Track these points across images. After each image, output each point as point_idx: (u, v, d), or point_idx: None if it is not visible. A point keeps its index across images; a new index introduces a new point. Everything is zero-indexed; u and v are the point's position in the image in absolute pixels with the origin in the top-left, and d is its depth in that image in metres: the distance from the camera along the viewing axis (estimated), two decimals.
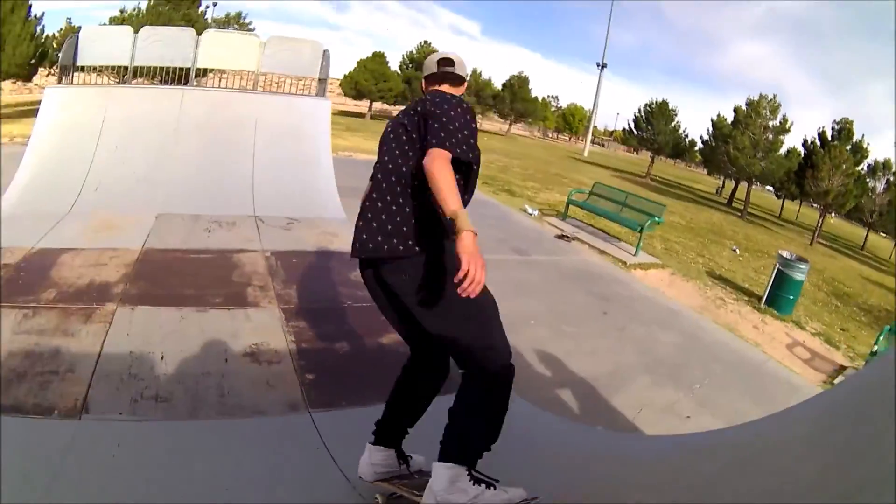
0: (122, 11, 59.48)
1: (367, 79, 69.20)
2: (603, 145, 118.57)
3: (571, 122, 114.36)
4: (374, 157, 4.00)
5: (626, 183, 39.79)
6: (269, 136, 13.66)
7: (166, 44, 15.52)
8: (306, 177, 13.58)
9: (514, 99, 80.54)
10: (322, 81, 15.81)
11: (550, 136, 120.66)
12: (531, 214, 16.90)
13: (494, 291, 7.83)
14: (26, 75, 44.90)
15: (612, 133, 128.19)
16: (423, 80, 4.21)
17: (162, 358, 6.10)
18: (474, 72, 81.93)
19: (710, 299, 12.24)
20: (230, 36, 16.66)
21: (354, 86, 69.69)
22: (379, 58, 72.66)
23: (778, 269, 12.38)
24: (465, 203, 3.54)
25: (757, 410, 6.67)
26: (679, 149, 55.04)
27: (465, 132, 3.43)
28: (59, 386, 5.50)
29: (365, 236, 3.70)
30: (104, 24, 55.66)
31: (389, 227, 3.52)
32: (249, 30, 61.61)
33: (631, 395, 7.01)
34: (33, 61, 44.31)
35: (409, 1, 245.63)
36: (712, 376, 7.99)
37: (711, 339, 9.52)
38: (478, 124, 3.71)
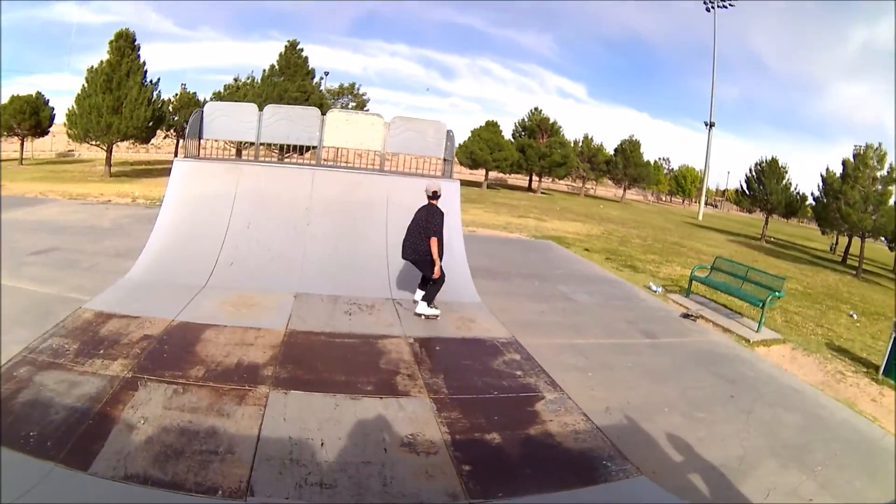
0: (235, 80, 61.76)
1: (482, 148, 70.13)
2: (716, 206, 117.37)
3: (684, 184, 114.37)
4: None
5: (743, 248, 39.51)
6: (401, 217, 13.57)
7: (292, 122, 16.33)
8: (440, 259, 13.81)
9: (627, 164, 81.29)
10: (447, 162, 16.38)
11: (664, 199, 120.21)
12: (655, 292, 17.07)
13: (628, 378, 9.64)
14: (144, 137, 46.96)
15: (724, 192, 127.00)
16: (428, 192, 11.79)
17: (322, 444, 6.42)
18: (585, 137, 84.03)
19: (830, 374, 12.10)
20: (355, 116, 17.14)
21: (470, 155, 70.64)
22: (492, 127, 73.57)
23: (894, 337, 12.08)
24: (441, 240, 11.43)
25: (874, 490, 7.02)
26: (792, 207, 54.14)
27: (440, 224, 11.43)
28: (221, 466, 5.89)
29: (409, 250, 11.63)
30: (219, 93, 58.28)
31: (416, 248, 11.48)
32: (363, 99, 63.33)
33: (758, 479, 7.06)
34: (150, 124, 46.07)
35: (514, 65, 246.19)
36: (833, 456, 7.99)
37: (832, 417, 9.49)
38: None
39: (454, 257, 13.80)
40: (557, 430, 7.32)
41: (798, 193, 53.26)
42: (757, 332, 13.85)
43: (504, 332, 10.99)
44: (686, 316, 14.45)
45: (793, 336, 14.44)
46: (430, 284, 11.53)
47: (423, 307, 11.52)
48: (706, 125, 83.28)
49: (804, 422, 9.07)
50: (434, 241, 11.10)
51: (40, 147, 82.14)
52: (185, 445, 6.18)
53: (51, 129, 69.57)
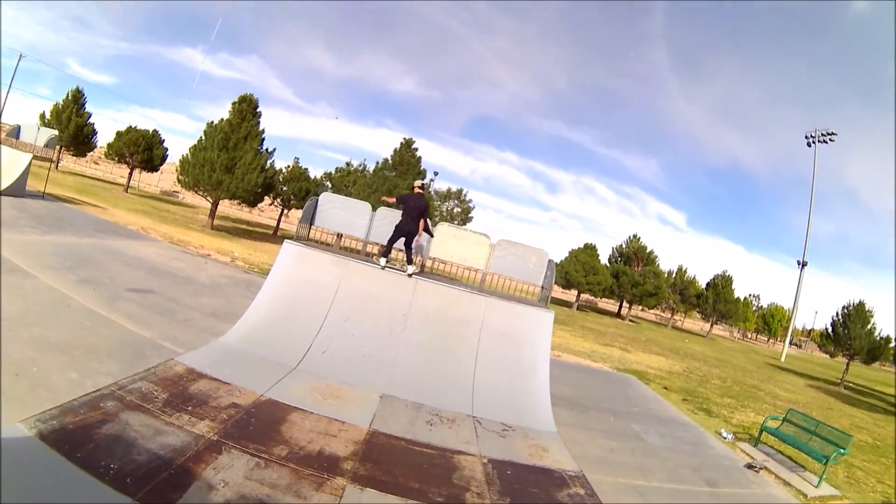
0: (348, 164, 63.56)
1: (578, 270, 70.59)
2: (800, 346, 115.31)
3: (771, 323, 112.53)
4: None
5: (820, 394, 38.25)
6: (493, 338, 14.30)
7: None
8: (523, 385, 13.96)
9: (718, 299, 79.71)
10: (544, 290, 16.57)
11: (749, 336, 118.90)
12: (725, 439, 16.71)
13: None
14: (252, 201, 48.45)
15: (809, 332, 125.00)
16: (415, 187, 15.56)
17: None
18: (680, 269, 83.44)
19: None
20: (463, 233, 17.60)
21: (565, 275, 71.03)
22: (590, 250, 74.06)
23: None
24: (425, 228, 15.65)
25: None
26: (874, 353, 52.78)
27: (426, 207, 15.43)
28: None
29: (406, 231, 15.05)
30: (330, 174, 59.96)
31: (411, 230, 15.13)
32: (468, 206, 64.21)
33: None
34: (260, 190, 47.69)
35: (618, 187, 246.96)
36: None
37: None
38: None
39: (538, 384, 13.95)
40: None
41: (881, 337, 51.89)
42: (816, 486, 13.78)
43: (573, 465, 11.00)
44: (750, 467, 14.24)
45: (851, 493, 14.30)
46: (411, 252, 15.44)
47: (411, 269, 15.10)
48: (798, 264, 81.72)
49: None
50: (422, 222, 15.39)
51: (147, 180, 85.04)
52: None
53: (161, 168, 72.28)
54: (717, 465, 13.67)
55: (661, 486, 11.26)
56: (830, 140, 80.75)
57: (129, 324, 12.41)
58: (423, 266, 16.44)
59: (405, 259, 15.32)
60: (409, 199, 15.21)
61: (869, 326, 51.09)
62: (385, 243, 15.32)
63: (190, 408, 8.89)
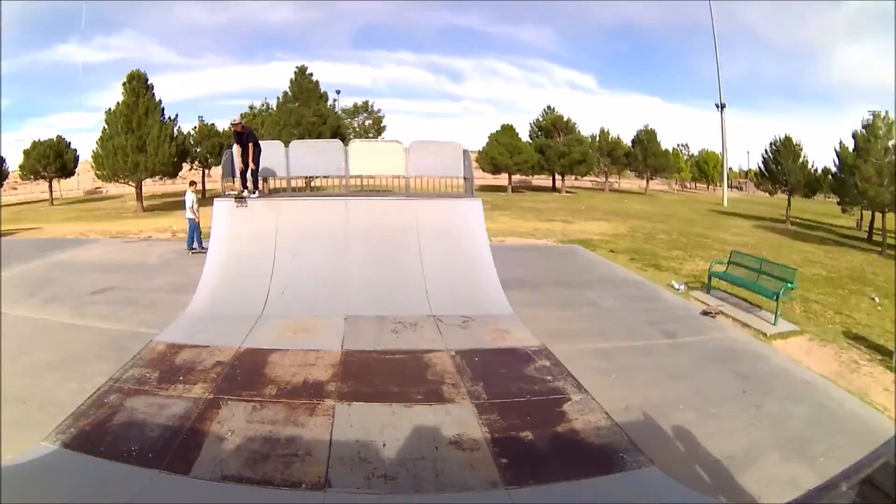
0: (251, 107, 63.42)
1: (502, 153, 70.42)
2: (741, 188, 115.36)
3: (706, 169, 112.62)
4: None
5: (769, 234, 39.04)
6: (432, 237, 15.16)
7: (318, 154, 17.84)
8: (472, 275, 14.88)
9: (647, 155, 79.86)
10: (467, 180, 17.36)
11: (689, 186, 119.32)
12: (678, 290, 17.68)
13: (647, 378, 10.26)
14: (171, 172, 48.80)
15: (746, 174, 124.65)
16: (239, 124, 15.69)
17: (384, 445, 7.71)
18: (602, 131, 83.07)
19: (844, 364, 12.35)
20: (376, 145, 18.46)
21: (491, 161, 71.03)
22: (509, 130, 73.69)
23: None
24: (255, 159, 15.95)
25: None
26: (812, 186, 52.89)
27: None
28: (302, 465, 7.22)
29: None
30: (236, 122, 58.84)
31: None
32: (378, 116, 64.41)
33: (760, 471, 7.75)
34: (175, 159, 47.98)
35: (520, 62, 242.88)
36: (835, 447, 8.42)
37: (840, 408, 9.91)
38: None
39: (484, 272, 14.88)
40: (581, 427, 8.43)
41: (816, 170, 51.56)
42: (774, 324, 14.26)
43: (535, 341, 11.89)
44: (705, 313, 15.03)
45: (810, 327, 14.77)
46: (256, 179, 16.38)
47: (255, 194, 16.07)
48: (717, 107, 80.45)
49: (811, 414, 9.66)
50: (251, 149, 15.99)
51: (67, 186, 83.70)
52: (269, 450, 7.48)
53: (77, 170, 71.34)
54: (674, 317, 14.61)
55: (622, 345, 12.16)
56: None
57: (102, 323, 13.19)
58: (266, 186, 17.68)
59: (252, 186, 16.17)
60: (237, 136, 16.10)
61: (801, 160, 50.81)
62: (243, 180, 16.14)
63: (181, 377, 9.82)
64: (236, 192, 16.09)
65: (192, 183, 26.57)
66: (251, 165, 15.97)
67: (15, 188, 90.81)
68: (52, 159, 65.79)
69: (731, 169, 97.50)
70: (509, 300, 14.35)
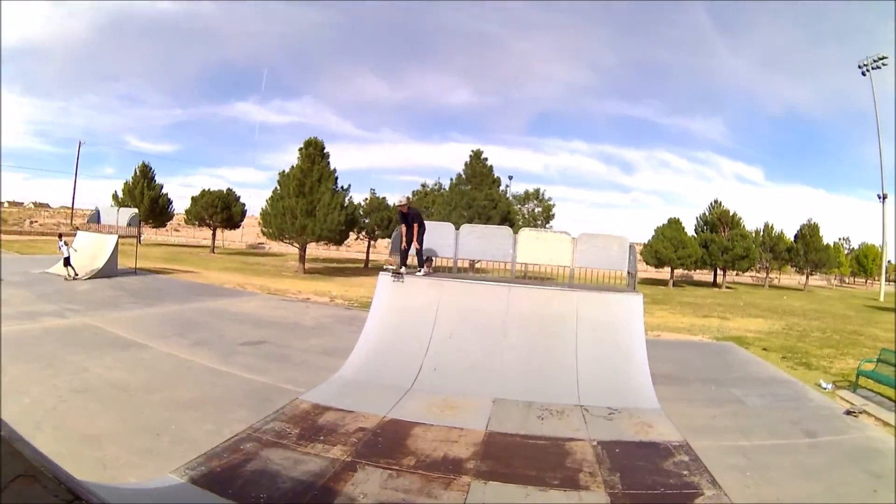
0: (423, 185, 65.12)
1: (667, 246, 70.09)
2: None
3: (865, 263, 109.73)
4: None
5: None
6: (589, 329, 14.95)
7: (487, 240, 17.98)
8: (624, 368, 14.57)
9: (808, 250, 78.29)
10: (631, 275, 17.14)
11: (847, 281, 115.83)
12: (825, 389, 16.81)
13: (782, 477, 10.01)
14: (338, 240, 50.23)
15: None
16: (398, 206, 16.88)
17: None
18: (766, 226, 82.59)
19: None
20: (545, 234, 18.37)
21: (655, 254, 70.76)
22: (675, 224, 73.49)
23: None
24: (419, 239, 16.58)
25: None
26: None
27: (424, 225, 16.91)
28: None
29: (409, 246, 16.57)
30: (409, 198, 60.19)
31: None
32: (548, 204, 64.78)
33: None
34: (343, 227, 49.26)
35: (689, 154, 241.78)
36: None
37: None
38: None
39: (637, 367, 14.53)
40: None
41: None
42: None
43: (677, 435, 11.54)
44: (849, 413, 14.38)
45: None
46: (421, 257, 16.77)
47: (423, 270, 16.57)
48: (879, 197, 78.06)
49: None
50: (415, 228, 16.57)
51: (230, 237, 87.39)
52: None
53: (242, 223, 74.48)
54: (817, 416, 13.95)
55: (763, 444, 11.62)
56: (883, 65, 78.04)
57: (248, 374, 13.52)
58: (432, 265, 17.66)
59: (417, 264, 16.62)
60: (402, 217, 16.67)
61: None
62: (402, 258, 16.69)
63: (322, 437, 9.82)
64: (394, 268, 16.54)
65: (61, 235, 31.74)
66: (415, 245, 16.43)
67: (177, 230, 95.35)
68: (220, 209, 69.46)
69: (889, 262, 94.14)
70: (658, 395, 13.96)
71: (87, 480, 3.31)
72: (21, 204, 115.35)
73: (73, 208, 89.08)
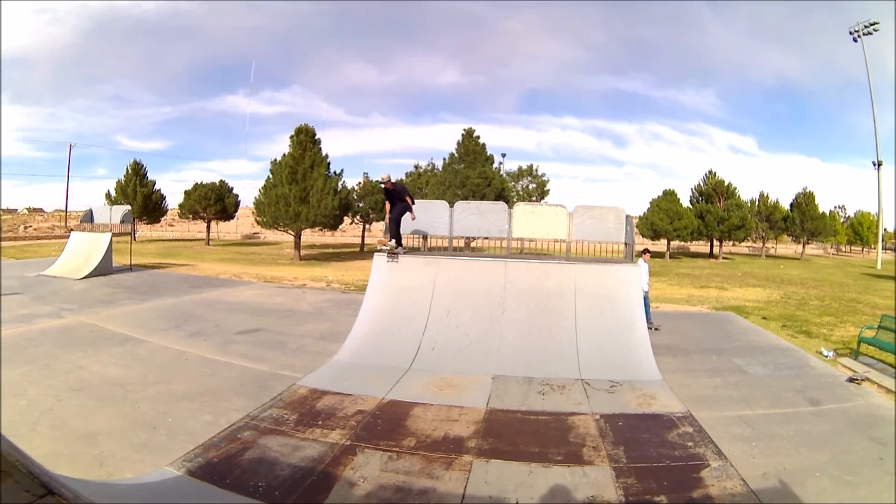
0: (416, 167, 64.94)
1: (662, 218, 70.18)
2: (895, 250, 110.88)
3: (861, 231, 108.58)
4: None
5: None
6: (588, 302, 14.99)
7: (482, 216, 17.96)
8: (625, 341, 14.56)
9: (804, 218, 78.16)
10: (627, 246, 17.10)
11: (844, 250, 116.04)
12: (826, 357, 16.92)
13: (788, 446, 10.03)
14: (332, 225, 50.25)
15: None
16: (383, 184, 16.65)
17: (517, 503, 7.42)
18: (762, 195, 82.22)
19: None
20: (540, 208, 18.34)
21: (651, 227, 70.74)
22: (670, 195, 73.33)
23: None
24: (407, 208, 16.64)
25: None
26: None
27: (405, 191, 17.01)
28: None
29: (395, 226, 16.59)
30: (401, 180, 61.35)
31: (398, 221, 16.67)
32: (542, 179, 64.80)
33: None
34: (337, 212, 49.22)
35: (682, 126, 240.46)
36: None
37: None
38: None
39: (637, 338, 14.56)
40: (716, 494, 7.97)
41: None
42: None
43: (680, 406, 11.56)
44: (851, 380, 14.43)
45: None
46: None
47: (401, 248, 16.73)
48: (874, 165, 77.92)
49: None
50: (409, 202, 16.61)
51: (225, 229, 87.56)
52: (400, 500, 7.28)
53: (236, 214, 74.62)
54: (820, 384, 13.99)
55: (766, 413, 11.67)
56: (875, 30, 77.60)
57: (245, 362, 13.52)
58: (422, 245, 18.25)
59: (394, 240, 16.71)
60: (387, 193, 16.89)
61: None
62: (392, 235, 16.70)
63: (320, 422, 9.82)
64: (388, 248, 16.55)
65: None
66: (387, 216, 16.94)
67: (172, 225, 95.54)
68: (213, 201, 69.72)
69: (886, 230, 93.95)
70: (659, 366, 13.99)
71: (62, 475, 3.26)
72: (15, 210, 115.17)
73: (66, 211, 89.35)
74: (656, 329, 17.33)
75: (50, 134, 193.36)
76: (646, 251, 20.47)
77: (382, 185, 16.76)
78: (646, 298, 17.50)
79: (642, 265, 18.74)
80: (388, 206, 16.95)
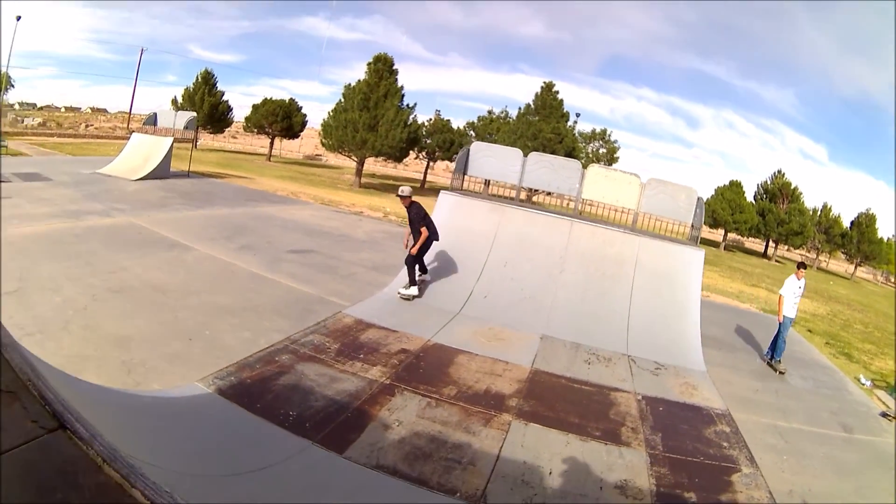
0: (490, 112, 64.02)
1: (724, 208, 69.88)
2: None
3: None
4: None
5: None
6: (646, 277, 14.78)
7: (554, 171, 17.61)
8: (676, 324, 14.35)
9: (862, 239, 76.86)
10: (694, 228, 16.82)
11: (892, 280, 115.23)
12: (864, 385, 16.39)
13: (817, 467, 9.89)
14: (398, 156, 50.32)
15: None
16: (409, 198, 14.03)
17: (550, 473, 7.26)
18: (825, 206, 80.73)
19: None
20: (614, 174, 17.92)
21: (711, 214, 69.74)
22: (736, 187, 73.08)
23: None
24: (432, 233, 13.91)
25: None
26: None
27: (425, 214, 14.04)
28: (462, 474, 6.84)
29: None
30: (473, 123, 61.92)
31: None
32: (614, 146, 64.14)
33: None
34: (404, 145, 49.16)
35: (756, 119, 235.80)
36: None
37: None
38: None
39: (689, 324, 14.30)
40: (743, 502, 7.84)
41: None
42: None
43: (720, 403, 11.42)
44: (884, 415, 13.99)
45: None
46: (413, 267, 13.93)
47: (402, 290, 13.87)
48: None
49: None
50: (424, 229, 13.71)
51: (288, 147, 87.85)
52: (433, 450, 7.16)
53: (301, 134, 74.73)
54: (854, 411, 13.69)
55: (801, 429, 11.49)
56: None
57: (293, 283, 13.48)
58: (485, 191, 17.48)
59: (409, 278, 14.11)
60: (408, 210, 14.22)
61: None
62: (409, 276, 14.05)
63: (362, 355, 9.74)
64: (408, 296, 13.89)
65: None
66: (412, 250, 13.80)
67: (235, 137, 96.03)
68: (280, 118, 69.99)
69: None
70: (704, 357, 13.79)
71: (74, 407, 2.82)
72: (78, 109, 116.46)
73: (130, 113, 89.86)
74: (781, 373, 14.86)
75: (122, 37, 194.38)
76: (802, 265, 16.04)
77: (399, 197, 14.17)
78: (787, 323, 15.32)
79: (794, 282, 15.52)
80: (407, 229, 14.36)
